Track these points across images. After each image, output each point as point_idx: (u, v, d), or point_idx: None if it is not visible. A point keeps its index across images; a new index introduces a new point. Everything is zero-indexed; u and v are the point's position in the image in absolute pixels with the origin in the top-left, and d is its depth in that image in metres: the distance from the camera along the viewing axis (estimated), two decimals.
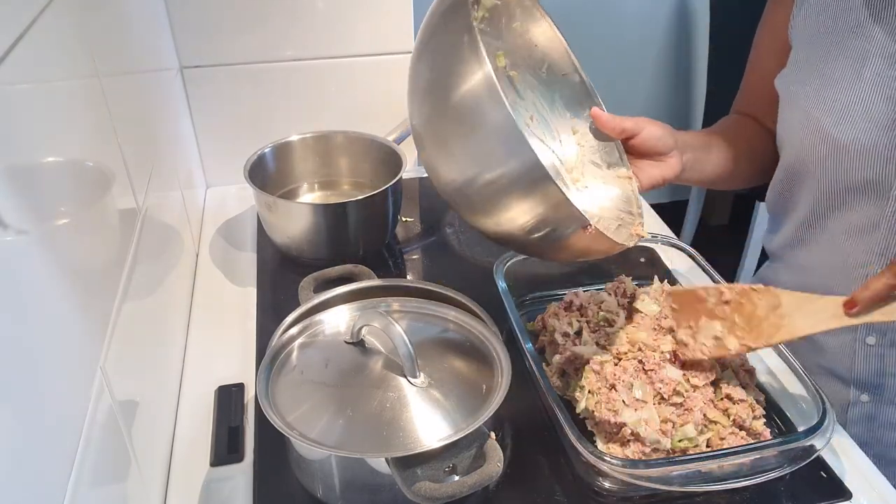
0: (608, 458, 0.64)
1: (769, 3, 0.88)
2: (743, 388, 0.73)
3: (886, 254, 0.76)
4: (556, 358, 0.77)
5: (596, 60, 2.29)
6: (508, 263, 0.88)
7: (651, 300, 0.81)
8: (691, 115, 2.48)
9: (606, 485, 0.68)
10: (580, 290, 0.86)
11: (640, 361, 0.73)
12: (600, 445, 0.69)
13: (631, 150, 0.78)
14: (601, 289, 0.86)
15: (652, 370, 0.72)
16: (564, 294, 0.85)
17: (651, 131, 0.77)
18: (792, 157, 0.82)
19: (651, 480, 0.64)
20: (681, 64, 2.37)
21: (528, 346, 0.75)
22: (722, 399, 0.72)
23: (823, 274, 0.85)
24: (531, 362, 0.73)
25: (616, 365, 0.73)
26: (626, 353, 0.74)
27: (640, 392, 0.70)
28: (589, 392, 0.72)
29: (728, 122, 0.94)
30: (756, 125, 0.92)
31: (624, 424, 0.68)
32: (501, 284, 0.84)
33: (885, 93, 0.72)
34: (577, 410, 0.72)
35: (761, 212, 2.03)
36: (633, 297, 0.82)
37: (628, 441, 0.68)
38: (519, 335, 0.77)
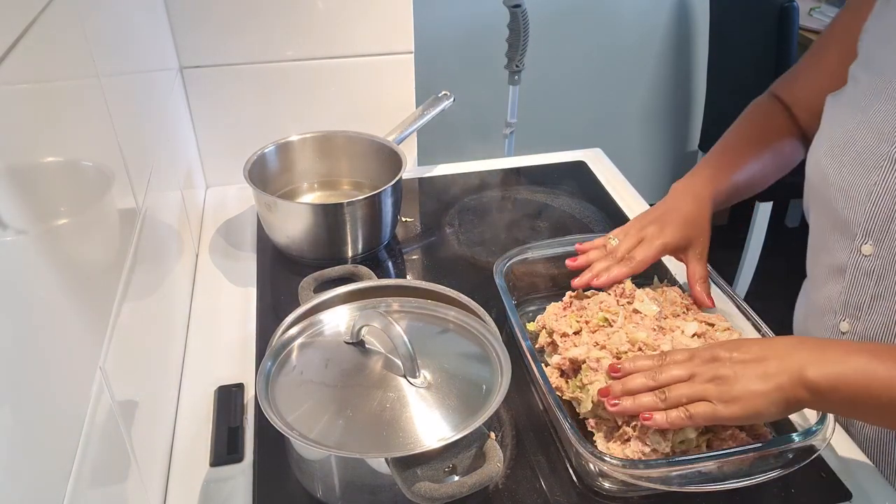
0: (608, 459, 0.64)
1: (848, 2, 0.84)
2: None
3: (847, 307, 0.76)
4: (555, 358, 0.77)
5: (596, 61, 2.31)
6: (508, 263, 0.88)
7: (650, 300, 0.81)
8: (691, 115, 2.49)
9: (606, 485, 0.68)
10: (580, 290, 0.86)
11: None
12: (600, 446, 0.69)
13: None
14: (601, 289, 0.86)
15: None
16: (564, 294, 0.85)
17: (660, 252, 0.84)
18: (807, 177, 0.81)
19: (651, 481, 0.64)
20: (681, 64, 2.37)
21: (528, 346, 0.75)
22: None
23: (806, 313, 0.85)
24: (531, 362, 0.73)
25: None
26: (625, 353, 0.74)
27: None
28: (591, 388, 0.72)
29: (756, 130, 0.92)
30: (786, 121, 0.90)
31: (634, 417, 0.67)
32: (501, 284, 0.84)
33: (882, 133, 0.70)
34: (581, 411, 0.72)
35: (761, 212, 2.03)
36: (632, 298, 0.82)
37: (628, 441, 0.68)
38: (519, 335, 0.77)
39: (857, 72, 0.77)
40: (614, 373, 0.70)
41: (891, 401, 0.58)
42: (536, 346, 0.82)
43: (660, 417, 0.65)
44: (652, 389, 0.66)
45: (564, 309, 0.83)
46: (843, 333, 0.77)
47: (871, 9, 0.77)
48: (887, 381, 0.58)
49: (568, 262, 0.87)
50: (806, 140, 0.90)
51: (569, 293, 0.85)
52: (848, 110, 0.75)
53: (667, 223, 0.84)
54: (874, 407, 0.60)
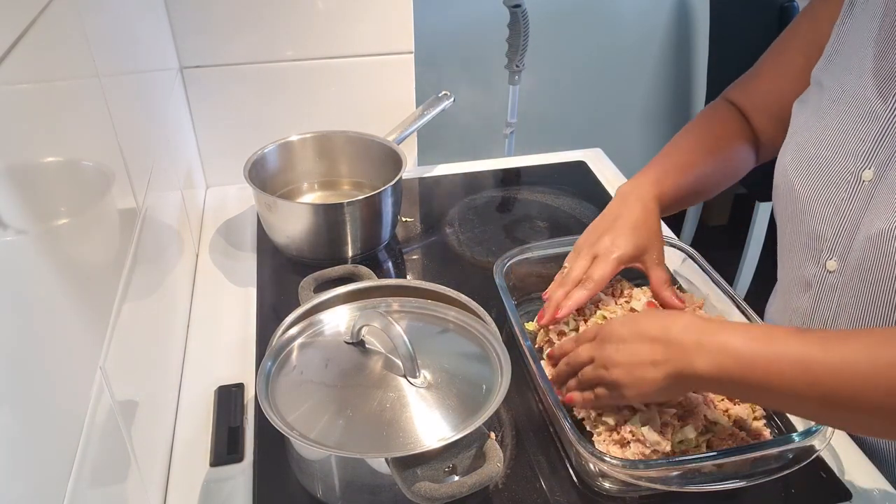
0: (608, 459, 0.64)
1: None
2: None
3: (813, 321, 0.76)
4: (545, 353, 0.77)
5: (596, 61, 2.30)
6: (508, 263, 0.88)
7: (647, 298, 0.81)
8: (691, 116, 2.49)
9: (606, 485, 0.68)
10: None
11: None
12: (600, 446, 0.69)
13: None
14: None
15: None
16: None
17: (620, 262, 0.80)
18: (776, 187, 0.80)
19: (651, 481, 0.64)
20: (681, 64, 2.37)
21: (528, 346, 0.75)
22: (722, 399, 0.72)
23: (777, 322, 0.85)
24: (531, 362, 0.73)
25: None
26: None
27: None
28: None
29: (708, 136, 0.89)
30: (740, 127, 0.88)
31: (619, 425, 0.68)
32: (501, 284, 0.84)
33: (845, 144, 0.70)
34: (575, 412, 0.72)
35: (761, 212, 2.03)
36: (629, 297, 0.83)
37: (628, 442, 0.68)
38: (519, 335, 0.77)
39: (820, 76, 0.77)
40: (550, 358, 0.73)
41: (769, 385, 0.57)
42: (536, 345, 0.82)
43: (577, 397, 0.69)
44: (570, 374, 0.71)
45: None
46: None
47: (833, 9, 0.76)
48: (766, 366, 0.57)
49: (537, 322, 0.82)
50: (760, 146, 0.89)
51: None
52: (812, 118, 0.75)
53: (618, 234, 0.80)
54: (761, 392, 0.59)
